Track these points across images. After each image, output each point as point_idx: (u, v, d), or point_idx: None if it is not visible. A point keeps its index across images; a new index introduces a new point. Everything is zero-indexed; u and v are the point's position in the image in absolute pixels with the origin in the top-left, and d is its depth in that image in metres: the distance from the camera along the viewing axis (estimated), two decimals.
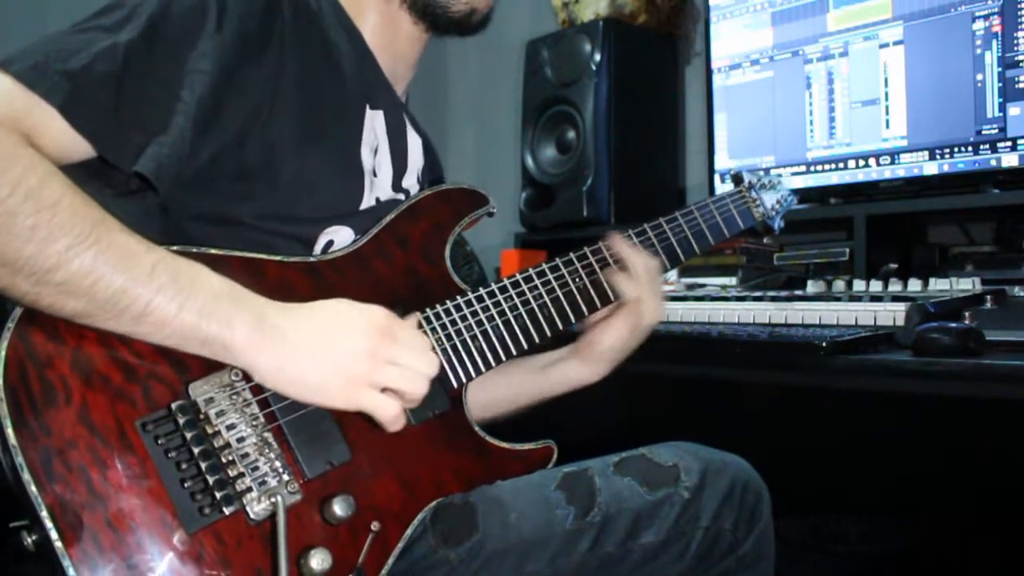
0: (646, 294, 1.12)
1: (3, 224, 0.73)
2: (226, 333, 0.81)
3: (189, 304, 0.79)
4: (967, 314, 1.17)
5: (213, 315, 0.80)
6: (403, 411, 0.90)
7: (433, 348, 0.95)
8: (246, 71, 0.92)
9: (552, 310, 1.06)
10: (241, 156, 0.93)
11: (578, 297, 1.09)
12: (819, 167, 1.90)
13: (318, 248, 1.00)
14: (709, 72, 2.11)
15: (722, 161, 2.08)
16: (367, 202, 1.05)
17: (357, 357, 0.85)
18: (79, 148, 0.83)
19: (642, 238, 1.15)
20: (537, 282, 1.07)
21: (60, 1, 2.37)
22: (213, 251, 0.89)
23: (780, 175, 1.43)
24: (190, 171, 0.90)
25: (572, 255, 1.10)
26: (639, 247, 1.14)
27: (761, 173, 1.38)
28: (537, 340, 1.06)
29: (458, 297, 1.01)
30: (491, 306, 1.03)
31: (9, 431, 0.74)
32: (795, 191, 1.46)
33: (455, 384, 0.99)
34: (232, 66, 0.90)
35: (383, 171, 1.09)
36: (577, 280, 1.09)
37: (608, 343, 1.14)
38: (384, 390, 0.88)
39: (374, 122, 1.07)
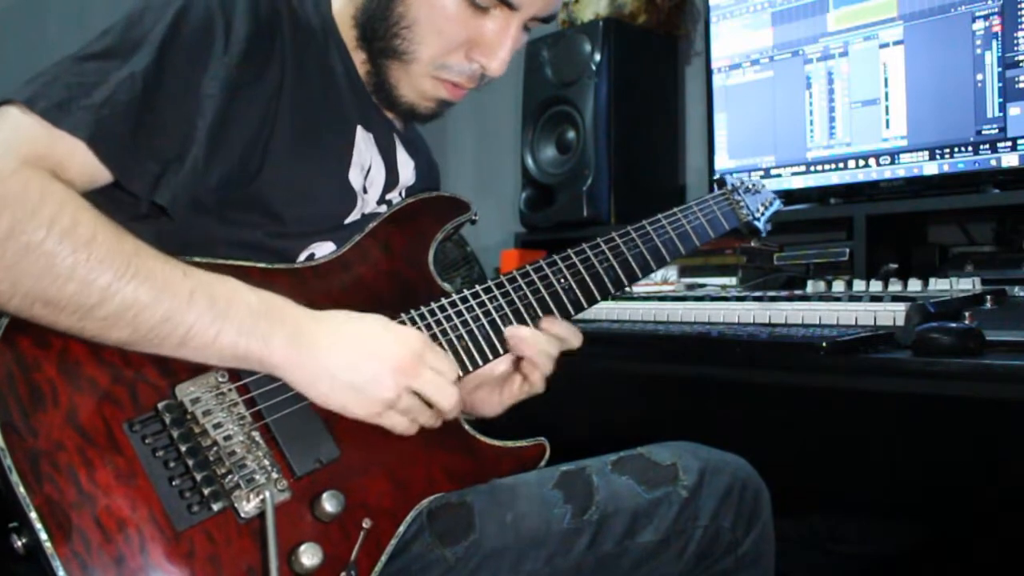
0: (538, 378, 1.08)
1: (43, 266, 0.75)
2: (264, 351, 0.84)
3: (227, 327, 0.82)
4: (967, 314, 1.17)
5: (252, 335, 0.84)
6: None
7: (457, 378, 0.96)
8: (248, 91, 0.92)
9: (537, 309, 1.06)
10: (244, 175, 0.94)
11: (563, 297, 1.08)
12: (819, 167, 1.89)
13: (300, 259, 1.01)
14: (709, 72, 2.11)
15: (722, 161, 2.07)
16: (353, 217, 1.06)
17: (383, 385, 0.88)
18: (103, 176, 0.85)
19: (626, 239, 1.15)
20: (521, 282, 1.06)
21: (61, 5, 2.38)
22: (197, 259, 0.89)
23: (768, 175, 1.44)
24: (207, 196, 0.92)
25: (556, 257, 1.10)
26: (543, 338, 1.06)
27: (745, 177, 1.39)
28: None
29: (442, 299, 1.01)
30: (476, 307, 1.02)
31: None
32: (785, 191, 1.46)
33: None
34: (236, 87, 0.91)
35: (374, 188, 1.09)
36: (562, 280, 1.09)
37: (495, 409, 1.11)
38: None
39: (366, 142, 1.07)
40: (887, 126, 1.79)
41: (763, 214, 1.37)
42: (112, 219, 0.80)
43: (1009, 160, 1.62)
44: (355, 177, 1.05)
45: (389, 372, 0.88)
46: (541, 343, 1.03)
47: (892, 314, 1.22)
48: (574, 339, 1.07)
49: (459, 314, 1.01)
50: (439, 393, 0.92)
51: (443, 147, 3.01)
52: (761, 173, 1.96)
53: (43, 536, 0.72)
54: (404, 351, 0.90)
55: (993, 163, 1.64)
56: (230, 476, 0.81)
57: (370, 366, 0.88)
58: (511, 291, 1.05)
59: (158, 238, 0.87)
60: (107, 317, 0.77)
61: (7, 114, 0.81)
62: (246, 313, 0.84)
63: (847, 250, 1.73)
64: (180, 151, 0.87)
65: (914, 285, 1.40)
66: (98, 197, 0.83)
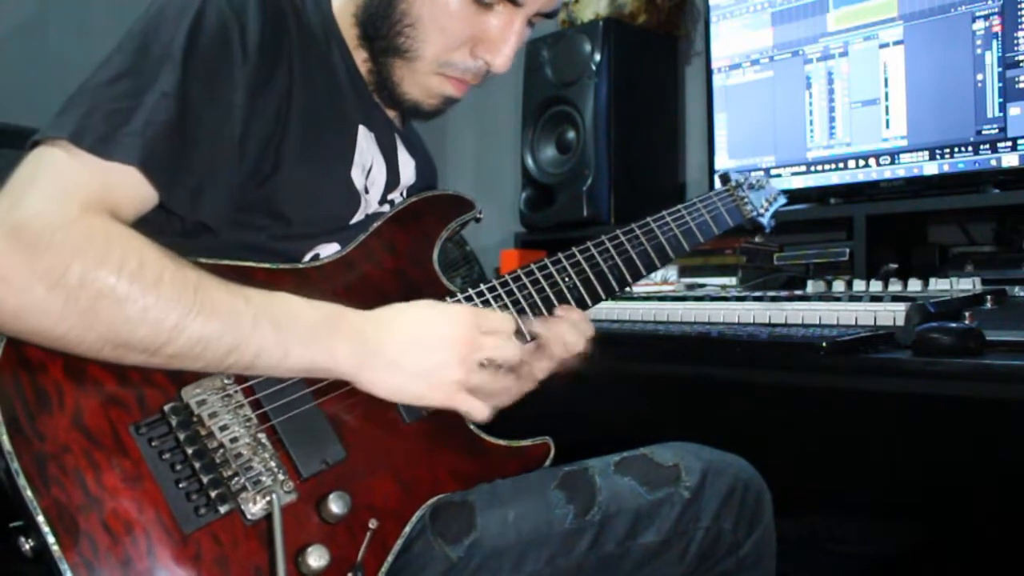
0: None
1: (114, 311, 0.75)
2: (329, 361, 0.87)
3: (293, 346, 0.84)
4: (967, 314, 1.17)
5: (316, 347, 0.86)
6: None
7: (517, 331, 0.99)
8: (264, 91, 0.92)
9: (543, 309, 1.06)
10: (257, 176, 0.94)
11: (568, 296, 1.08)
12: (819, 167, 1.90)
13: (305, 260, 1.01)
14: (709, 72, 2.11)
15: (722, 161, 2.08)
16: (357, 218, 1.06)
17: (451, 368, 0.92)
18: (152, 200, 0.85)
19: (630, 236, 1.15)
20: (526, 281, 1.06)
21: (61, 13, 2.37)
22: (202, 260, 0.88)
23: (767, 176, 1.44)
24: (237, 204, 0.92)
25: (560, 255, 1.10)
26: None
27: (749, 173, 1.39)
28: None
29: (447, 299, 1.01)
30: (480, 306, 1.02)
31: (4, 437, 0.74)
32: (784, 191, 1.47)
33: None
34: (255, 92, 0.91)
35: (375, 188, 1.09)
36: (566, 279, 1.09)
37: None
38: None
39: (367, 142, 1.07)
40: (887, 126, 1.79)
41: (768, 210, 1.37)
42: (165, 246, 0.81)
43: (1009, 160, 1.62)
44: (356, 177, 1.05)
45: (454, 355, 0.92)
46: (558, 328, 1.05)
47: (892, 314, 1.23)
48: (587, 328, 1.08)
49: None
50: (503, 353, 0.95)
51: (443, 147, 3.01)
52: (761, 173, 1.96)
53: (51, 540, 0.72)
54: (459, 331, 0.93)
55: (993, 163, 1.64)
56: (236, 478, 0.81)
57: (434, 353, 0.91)
58: (515, 290, 1.05)
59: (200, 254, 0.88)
60: (175, 354, 0.79)
61: (54, 155, 0.81)
62: (306, 329, 0.85)
63: (847, 250, 1.73)
64: (213, 164, 0.88)
65: (914, 285, 1.40)
66: (145, 226, 0.83)
